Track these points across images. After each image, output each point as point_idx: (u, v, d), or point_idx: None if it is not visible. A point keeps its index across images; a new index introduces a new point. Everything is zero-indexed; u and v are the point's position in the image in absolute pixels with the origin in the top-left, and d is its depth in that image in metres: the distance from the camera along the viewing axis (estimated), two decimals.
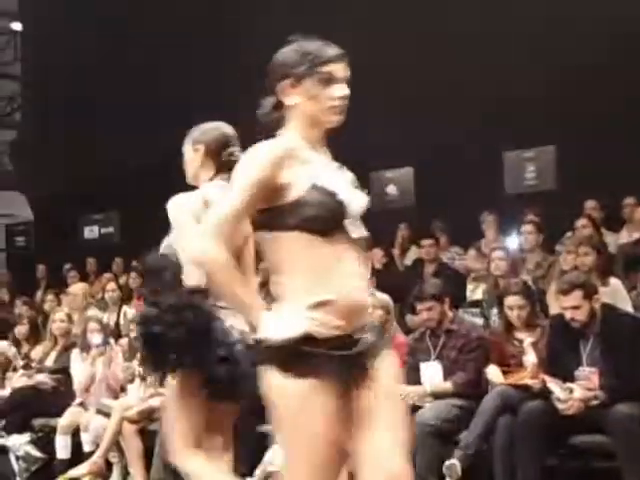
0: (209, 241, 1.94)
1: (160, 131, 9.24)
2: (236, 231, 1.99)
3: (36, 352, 6.40)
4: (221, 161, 3.09)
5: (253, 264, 3.04)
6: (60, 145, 10.90)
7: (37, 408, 5.77)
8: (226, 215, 1.97)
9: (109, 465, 5.29)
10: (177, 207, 2.97)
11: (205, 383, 2.84)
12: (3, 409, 5.77)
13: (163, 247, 3.04)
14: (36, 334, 6.62)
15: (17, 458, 5.39)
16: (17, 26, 13.08)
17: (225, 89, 9.22)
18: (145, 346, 2.92)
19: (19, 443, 5.45)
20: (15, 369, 6.38)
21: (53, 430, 5.51)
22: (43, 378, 5.97)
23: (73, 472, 5.16)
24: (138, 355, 5.59)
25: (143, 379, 5.48)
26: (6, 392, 6.01)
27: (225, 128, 3.17)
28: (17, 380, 6.14)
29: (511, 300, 4.49)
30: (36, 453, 5.43)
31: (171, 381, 2.89)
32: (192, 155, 3.14)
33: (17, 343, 6.65)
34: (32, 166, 11.44)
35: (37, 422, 5.73)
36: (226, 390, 2.85)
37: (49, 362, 6.15)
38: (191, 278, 2.81)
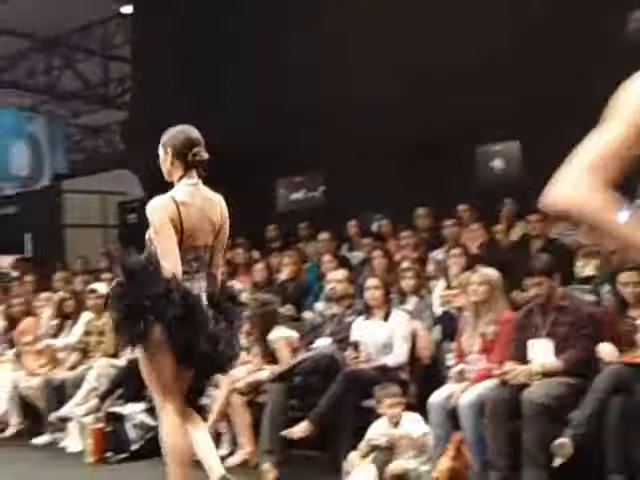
0: (579, 183, 1.50)
1: (267, 112, 9.40)
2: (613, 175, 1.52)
3: None
4: (187, 161, 3.62)
5: None
6: (167, 124, 11.17)
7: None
8: (598, 156, 1.50)
9: (218, 435, 5.46)
10: (152, 210, 3.53)
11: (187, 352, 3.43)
12: (120, 379, 6.02)
13: (147, 239, 3.58)
14: None
15: (133, 426, 5.61)
16: (127, 9, 13.47)
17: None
18: (137, 327, 3.40)
19: (134, 412, 5.67)
20: None
21: None
22: None
23: None
24: (244, 328, 5.76)
25: (249, 353, 5.61)
26: (122, 362, 6.26)
27: (190, 132, 3.72)
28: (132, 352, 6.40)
29: (626, 276, 4.35)
30: (150, 422, 5.63)
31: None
32: (164, 156, 3.70)
33: None
34: (142, 145, 11.79)
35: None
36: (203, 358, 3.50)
37: None
38: (166, 268, 3.39)
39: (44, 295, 7.53)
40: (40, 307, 7.50)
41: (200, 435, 3.60)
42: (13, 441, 6.74)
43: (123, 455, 5.53)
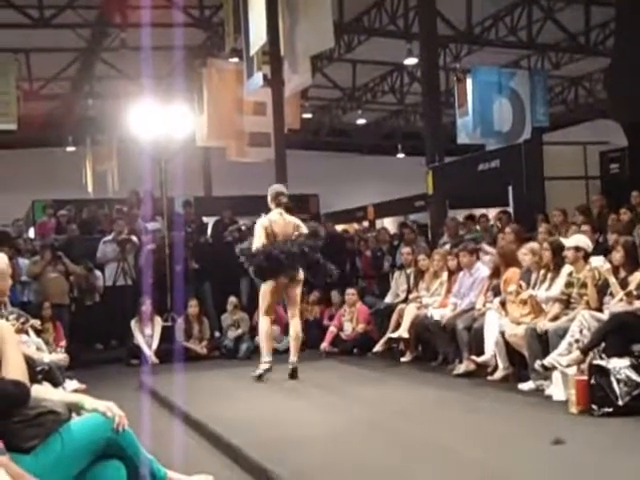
0: None
1: None
2: None
3: (633, 278, 6.39)
4: (275, 202, 7.93)
5: None
6: None
7: (636, 334, 5.79)
8: None
9: None
10: (257, 222, 7.96)
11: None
12: (603, 332, 5.91)
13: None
14: (632, 260, 6.60)
15: (617, 381, 5.47)
16: None
17: None
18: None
19: (619, 366, 5.52)
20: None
21: None
22: None
23: None
24: None
25: None
26: (605, 316, 6.14)
27: (277, 188, 8.17)
28: (615, 305, 6.24)
29: None
30: (637, 378, 5.44)
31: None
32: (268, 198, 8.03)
33: (615, 269, 6.72)
34: (626, 92, 11.26)
35: (636, 348, 5.73)
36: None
37: None
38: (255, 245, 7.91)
39: (527, 246, 7.71)
40: (523, 258, 7.70)
41: (292, 325, 8.00)
42: (501, 384, 7.15)
43: (608, 409, 5.44)
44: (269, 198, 7.99)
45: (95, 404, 3.36)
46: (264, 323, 7.97)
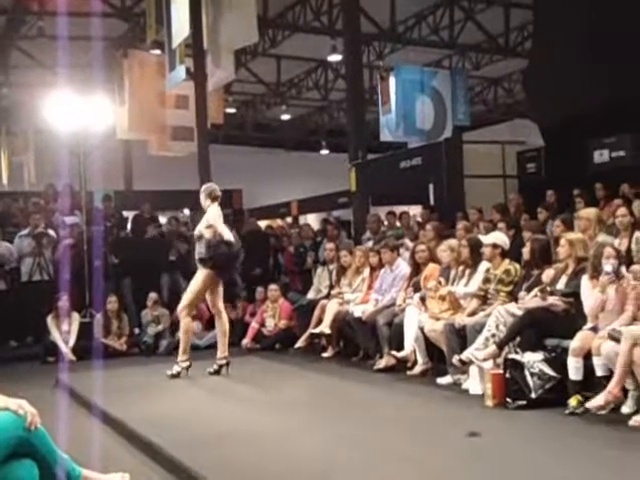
0: None
1: None
2: None
3: (547, 275, 6.58)
4: (212, 197, 7.81)
5: None
6: (570, 71, 10.81)
7: (549, 329, 5.97)
8: None
9: (624, 392, 5.23)
10: (212, 213, 7.74)
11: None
12: (518, 327, 6.07)
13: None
14: (546, 257, 6.80)
15: (531, 374, 5.63)
16: None
17: None
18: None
19: (533, 360, 5.69)
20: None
21: (565, 351, 5.63)
22: (555, 300, 6.13)
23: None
24: None
25: None
26: (520, 311, 6.30)
27: (213, 185, 8.03)
28: (529, 301, 6.40)
29: None
30: (549, 371, 5.62)
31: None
32: (202, 196, 7.88)
33: (527, 265, 6.93)
34: (543, 94, 11.58)
35: (549, 342, 5.92)
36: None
37: (560, 285, 6.28)
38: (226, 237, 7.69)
39: (445, 243, 7.85)
40: (442, 254, 7.83)
41: (218, 325, 8.00)
42: (420, 378, 7.25)
43: (522, 402, 5.59)
44: (205, 195, 7.84)
45: (6, 402, 3.26)
46: (189, 320, 8.01)
